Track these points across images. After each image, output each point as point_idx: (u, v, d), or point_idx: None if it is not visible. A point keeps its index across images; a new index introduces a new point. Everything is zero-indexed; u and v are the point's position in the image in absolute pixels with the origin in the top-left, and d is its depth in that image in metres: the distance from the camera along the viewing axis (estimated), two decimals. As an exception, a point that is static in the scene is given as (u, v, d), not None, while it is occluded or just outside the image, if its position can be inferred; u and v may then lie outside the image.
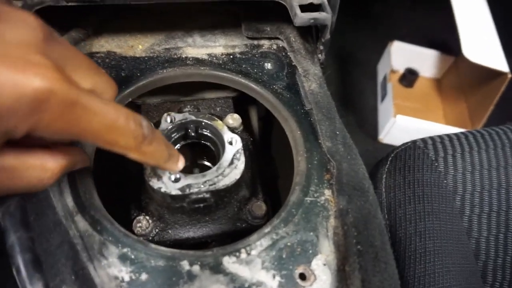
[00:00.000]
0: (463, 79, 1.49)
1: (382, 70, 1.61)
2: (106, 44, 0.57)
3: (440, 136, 0.69)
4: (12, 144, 0.28)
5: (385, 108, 1.45)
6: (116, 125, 0.30)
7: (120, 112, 0.30)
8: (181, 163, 0.41)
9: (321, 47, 0.58)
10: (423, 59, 1.59)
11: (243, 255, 0.42)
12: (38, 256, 0.36)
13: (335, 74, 1.64)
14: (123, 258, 0.39)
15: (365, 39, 1.74)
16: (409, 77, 1.58)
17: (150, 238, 0.49)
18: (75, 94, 0.27)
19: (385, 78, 1.53)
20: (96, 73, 0.33)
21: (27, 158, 0.30)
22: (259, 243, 0.43)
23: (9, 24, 0.25)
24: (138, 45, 0.58)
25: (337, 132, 0.52)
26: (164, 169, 0.41)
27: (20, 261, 0.34)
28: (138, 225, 0.49)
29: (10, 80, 0.24)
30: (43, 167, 0.31)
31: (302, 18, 0.51)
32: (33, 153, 0.31)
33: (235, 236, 0.54)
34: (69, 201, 0.42)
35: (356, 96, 1.61)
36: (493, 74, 1.21)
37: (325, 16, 0.52)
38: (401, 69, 1.61)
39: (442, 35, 1.70)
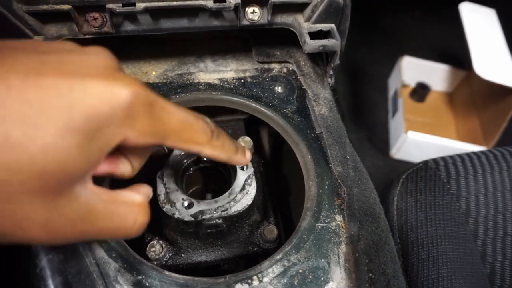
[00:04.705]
0: (475, 94, 1.48)
1: (392, 84, 1.61)
2: None
3: (451, 157, 0.68)
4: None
5: (396, 123, 1.45)
6: (189, 121, 0.34)
7: (188, 111, 0.34)
8: (248, 154, 0.44)
9: (331, 72, 0.59)
10: (434, 73, 1.58)
11: (255, 282, 0.42)
12: (68, 279, 0.37)
13: (346, 88, 1.65)
14: (138, 286, 0.40)
15: (375, 53, 1.74)
16: (420, 91, 1.58)
17: (164, 262, 0.50)
18: (153, 96, 0.30)
19: (396, 93, 1.53)
20: None
21: (117, 194, 0.32)
22: (271, 270, 0.43)
23: (91, 54, 0.30)
24: (151, 71, 0.60)
25: (348, 157, 0.53)
26: (236, 163, 0.42)
27: (51, 285, 0.34)
28: (152, 249, 0.50)
29: (105, 91, 0.27)
30: (132, 202, 0.33)
31: (311, 45, 0.52)
32: (118, 191, 0.32)
33: (247, 259, 0.55)
34: None
35: (367, 111, 1.60)
36: (506, 90, 1.20)
37: (334, 43, 0.53)
38: (412, 84, 1.61)
39: (453, 48, 1.69)
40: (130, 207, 0.32)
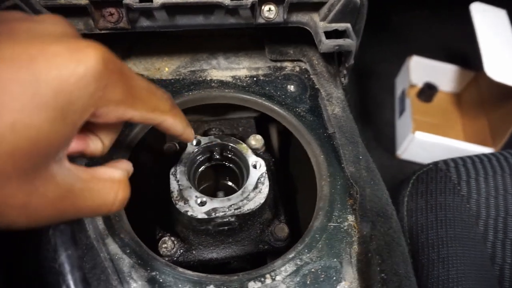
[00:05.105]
0: (483, 95, 1.47)
1: (400, 84, 1.60)
2: (134, 67, 0.59)
3: (462, 158, 0.68)
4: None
5: (403, 123, 1.44)
6: (153, 89, 0.33)
7: (149, 81, 0.33)
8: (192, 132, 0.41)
9: (345, 71, 0.59)
10: (442, 74, 1.58)
11: (268, 281, 0.42)
12: (86, 275, 0.37)
13: (353, 87, 1.64)
14: (152, 282, 0.40)
15: (383, 52, 1.73)
16: (428, 91, 1.57)
17: (175, 258, 0.50)
18: (119, 61, 0.28)
19: (403, 93, 1.52)
20: None
21: (95, 171, 0.31)
22: (284, 269, 0.43)
23: (46, 22, 0.28)
24: (164, 68, 0.60)
25: (360, 157, 0.53)
26: (187, 137, 0.39)
27: (70, 280, 0.34)
28: (164, 246, 0.50)
29: (71, 60, 0.25)
30: (111, 179, 0.32)
31: (327, 45, 0.52)
32: (95, 168, 0.31)
33: (257, 257, 0.55)
34: (100, 224, 0.43)
35: (373, 111, 1.60)
36: (514, 91, 1.19)
37: (350, 43, 0.53)
38: (419, 84, 1.60)
39: (462, 49, 1.68)
40: (110, 183, 0.31)
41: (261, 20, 0.51)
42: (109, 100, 0.27)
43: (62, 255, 0.33)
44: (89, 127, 0.32)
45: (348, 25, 0.53)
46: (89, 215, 0.33)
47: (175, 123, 0.36)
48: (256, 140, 0.59)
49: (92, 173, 0.31)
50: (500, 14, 1.28)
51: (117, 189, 0.31)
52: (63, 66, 0.24)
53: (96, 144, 0.32)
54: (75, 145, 0.31)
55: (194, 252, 0.51)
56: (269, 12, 0.50)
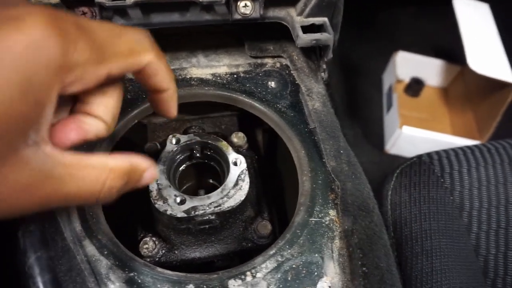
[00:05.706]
0: (470, 88, 1.49)
1: (387, 80, 1.60)
2: None
3: (445, 151, 0.68)
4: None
5: (390, 118, 1.45)
6: (122, 31, 0.29)
7: (115, 24, 0.30)
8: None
9: (324, 66, 0.59)
10: (428, 68, 1.59)
11: (249, 278, 0.42)
12: (57, 276, 0.36)
13: (341, 84, 1.65)
14: (130, 283, 0.40)
15: (370, 48, 1.74)
16: (414, 86, 1.58)
17: (157, 259, 0.49)
18: (70, 17, 0.25)
19: (390, 88, 1.53)
20: None
21: (85, 157, 0.28)
22: (264, 266, 0.43)
23: None
24: (143, 67, 0.59)
25: (341, 151, 0.52)
26: (171, 94, 0.35)
27: (40, 283, 0.33)
28: (145, 246, 0.49)
29: (8, 32, 0.22)
30: (102, 166, 0.29)
31: (304, 39, 0.52)
32: (92, 154, 0.29)
33: (241, 255, 0.55)
34: (77, 225, 0.42)
35: (362, 107, 1.60)
36: (500, 84, 1.20)
37: (327, 37, 0.52)
38: (406, 79, 1.61)
39: (448, 43, 1.69)
40: (98, 171, 0.29)
41: (237, 16, 0.51)
42: (75, 64, 0.25)
43: (31, 257, 0.32)
44: (82, 109, 0.30)
45: (325, 19, 0.53)
46: (75, 202, 0.30)
47: (160, 65, 0.31)
48: (238, 138, 0.59)
49: (80, 159, 0.28)
50: (483, 7, 1.29)
51: (105, 177, 0.29)
52: (4, 44, 0.22)
53: (97, 125, 0.30)
54: (73, 135, 0.29)
55: (176, 252, 0.50)
56: (245, 8, 0.50)
